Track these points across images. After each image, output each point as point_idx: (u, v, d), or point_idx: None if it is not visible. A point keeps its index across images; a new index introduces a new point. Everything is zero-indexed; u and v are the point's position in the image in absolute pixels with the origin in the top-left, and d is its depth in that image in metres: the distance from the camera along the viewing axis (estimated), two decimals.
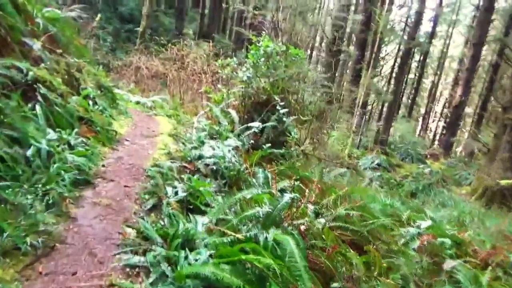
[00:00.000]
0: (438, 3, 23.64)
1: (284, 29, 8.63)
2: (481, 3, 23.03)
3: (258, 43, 7.45)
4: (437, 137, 28.44)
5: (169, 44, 12.06)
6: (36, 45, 4.88)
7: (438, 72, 30.88)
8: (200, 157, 5.31)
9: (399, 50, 29.87)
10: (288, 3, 9.78)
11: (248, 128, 6.86)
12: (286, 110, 7.07)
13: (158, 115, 8.13)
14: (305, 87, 7.99)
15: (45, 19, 6.02)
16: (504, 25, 20.16)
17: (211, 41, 13.61)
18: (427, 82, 32.91)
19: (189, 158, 5.23)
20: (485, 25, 17.41)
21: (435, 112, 34.23)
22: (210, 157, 5.27)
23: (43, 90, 4.45)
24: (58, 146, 3.87)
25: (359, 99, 15.89)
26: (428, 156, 19.26)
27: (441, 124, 30.05)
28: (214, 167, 5.07)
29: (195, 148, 5.66)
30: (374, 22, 16.86)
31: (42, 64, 4.98)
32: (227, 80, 8.93)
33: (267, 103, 7.54)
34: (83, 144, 4.24)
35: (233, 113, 7.35)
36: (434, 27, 24.23)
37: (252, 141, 6.82)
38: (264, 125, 6.80)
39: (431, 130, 34.30)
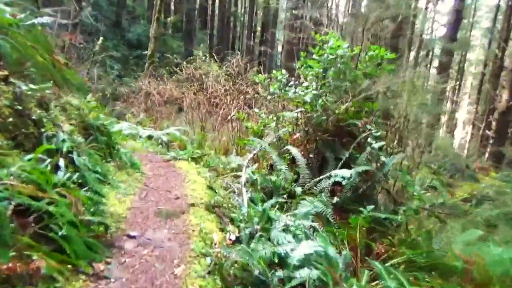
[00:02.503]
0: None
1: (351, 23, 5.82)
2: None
3: (324, 44, 4.64)
4: (468, 146, 25.45)
5: (184, 63, 9.37)
6: None
7: (459, 77, 27.98)
8: (282, 262, 2.46)
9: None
10: None
11: (328, 177, 4.00)
12: (382, 144, 4.22)
13: (179, 158, 5.31)
14: (414, 104, 5.14)
15: None
16: None
17: (239, 53, 10.86)
18: (447, 88, 29.94)
19: (257, 272, 2.37)
20: None
21: (456, 119, 31.09)
22: (301, 265, 2.41)
23: None
24: None
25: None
26: (477, 170, 16.14)
27: (470, 131, 27.13)
28: None
29: (261, 236, 2.80)
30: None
31: None
32: (267, 102, 6.15)
33: (343, 133, 4.71)
34: None
35: (294, 151, 4.48)
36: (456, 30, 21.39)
37: (337, 199, 3.97)
38: (355, 171, 3.92)
39: (453, 137, 31.18)
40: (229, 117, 7.28)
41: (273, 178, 4.22)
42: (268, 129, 6.08)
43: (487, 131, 17.55)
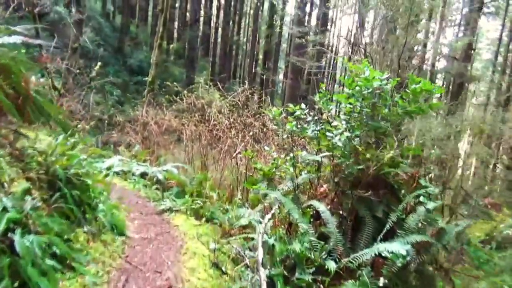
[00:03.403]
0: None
1: (379, 51, 4.93)
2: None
3: (357, 75, 3.71)
4: (473, 179, 24.37)
5: (185, 92, 8.47)
6: None
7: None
8: None
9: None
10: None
11: (371, 250, 2.95)
12: (438, 204, 3.20)
13: (176, 210, 4.26)
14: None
15: None
16: None
17: (246, 82, 9.97)
18: None
19: None
20: None
21: (459, 150, 30.27)
22: None
23: None
24: None
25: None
26: (489, 207, 15.06)
27: (474, 163, 26.14)
28: None
29: None
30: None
31: None
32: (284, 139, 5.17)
33: (379, 184, 3.70)
34: None
35: (322, 208, 3.45)
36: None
37: (384, 280, 2.90)
38: (410, 245, 2.87)
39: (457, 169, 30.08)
40: (234, 154, 6.27)
41: (296, 246, 3.16)
42: (280, 170, 5.06)
43: (497, 165, 16.58)
